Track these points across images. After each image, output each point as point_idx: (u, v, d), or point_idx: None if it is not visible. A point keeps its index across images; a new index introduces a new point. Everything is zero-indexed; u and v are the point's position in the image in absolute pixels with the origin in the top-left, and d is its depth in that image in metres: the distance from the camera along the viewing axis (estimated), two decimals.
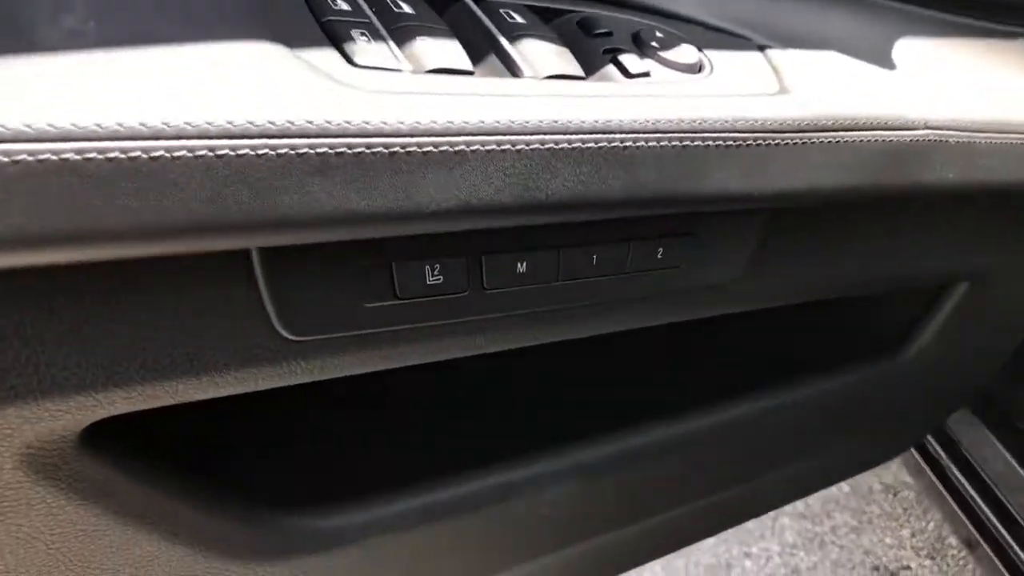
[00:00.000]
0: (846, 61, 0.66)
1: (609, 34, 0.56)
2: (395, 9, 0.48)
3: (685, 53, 0.57)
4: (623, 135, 0.49)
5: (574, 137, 0.47)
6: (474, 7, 0.52)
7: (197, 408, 0.55)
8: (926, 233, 0.83)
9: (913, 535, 2.08)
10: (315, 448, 0.78)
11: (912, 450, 1.62)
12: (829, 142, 0.59)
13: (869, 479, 2.24)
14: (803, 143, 0.58)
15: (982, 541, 1.46)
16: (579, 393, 0.91)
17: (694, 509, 1.03)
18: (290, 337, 0.49)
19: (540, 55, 0.50)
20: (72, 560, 0.56)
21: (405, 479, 0.73)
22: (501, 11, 0.52)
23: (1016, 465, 1.39)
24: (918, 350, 1.02)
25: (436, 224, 0.45)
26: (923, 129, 0.65)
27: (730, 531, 2.05)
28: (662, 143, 0.51)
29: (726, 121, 0.54)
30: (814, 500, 2.16)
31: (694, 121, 0.52)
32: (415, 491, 0.73)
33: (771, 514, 2.11)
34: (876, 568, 1.98)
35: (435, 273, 0.51)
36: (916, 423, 1.32)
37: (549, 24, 0.55)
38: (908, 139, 0.64)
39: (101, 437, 0.52)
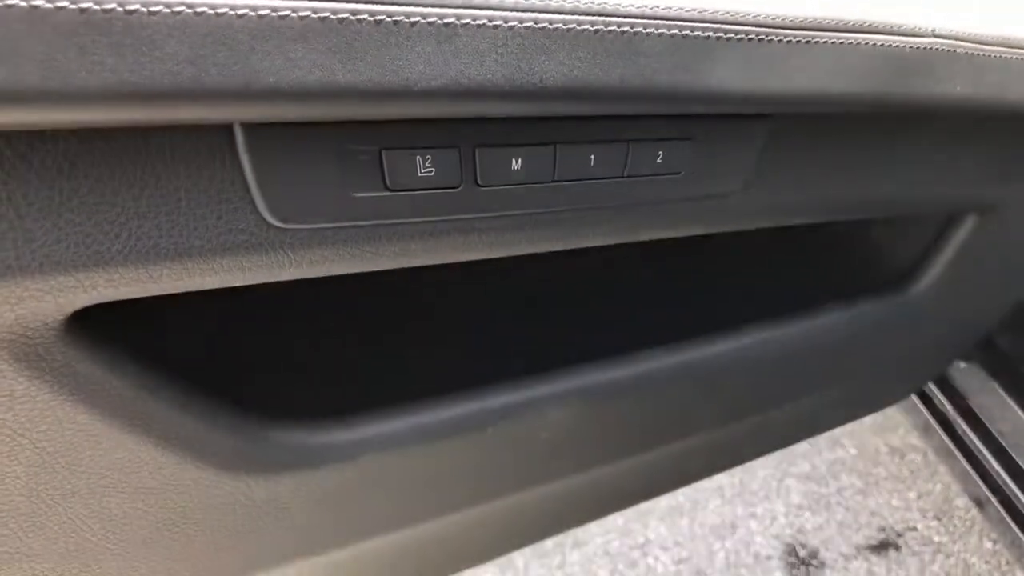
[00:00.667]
0: None
1: None
2: None
3: None
4: (621, 19, 0.47)
5: (570, 18, 0.46)
6: None
7: (192, 315, 0.54)
8: (933, 155, 0.81)
9: (920, 497, 2.07)
10: (310, 363, 0.77)
11: (921, 407, 1.60)
12: (835, 43, 0.57)
13: (876, 441, 2.23)
14: (808, 42, 0.56)
15: (992, 498, 1.44)
16: (582, 317, 0.90)
17: (695, 444, 1.02)
18: (277, 224, 0.48)
19: None
20: (58, 460, 0.55)
21: (401, 398, 0.72)
22: None
23: None
24: (925, 286, 1.01)
25: (426, 106, 0.44)
26: (930, 37, 0.63)
27: (735, 491, 2.05)
28: (661, 31, 0.49)
29: (730, 12, 0.52)
30: (820, 462, 2.15)
31: (696, 9, 0.50)
32: (411, 410, 0.72)
33: (776, 474, 2.10)
34: (882, 529, 1.97)
35: (427, 164, 0.50)
36: (922, 364, 1.31)
37: None
38: (915, 45, 0.62)
39: (88, 331, 0.51)
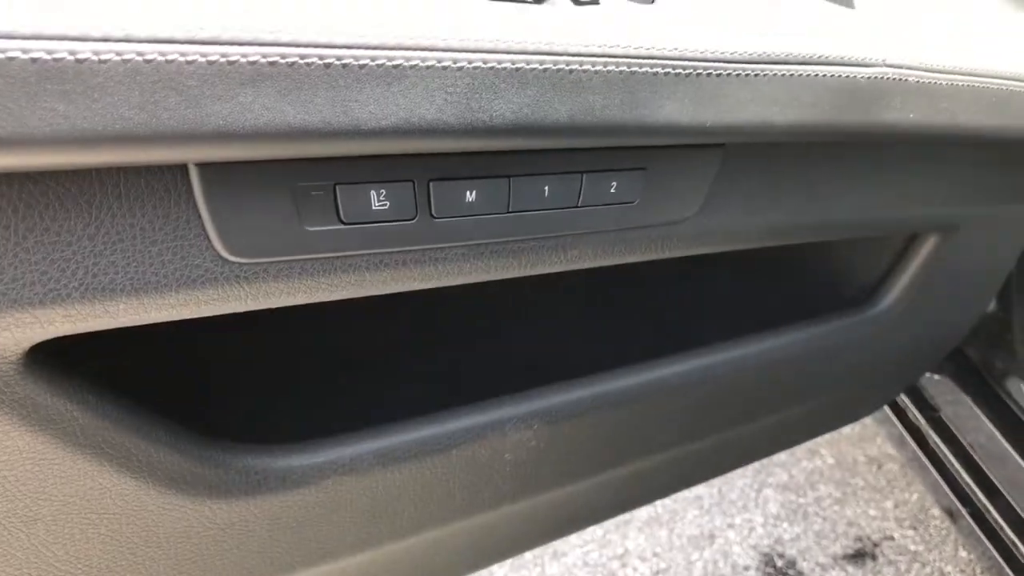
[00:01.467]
0: (805, 2, 0.66)
1: None
2: None
3: None
4: (568, 58, 0.49)
5: (518, 57, 0.47)
6: None
7: (153, 340, 0.55)
8: (889, 179, 0.82)
9: (896, 506, 2.08)
10: (272, 388, 0.78)
11: (894, 419, 1.62)
12: (783, 75, 0.59)
13: (854, 451, 2.25)
14: (756, 75, 0.57)
15: (964, 511, 1.46)
16: (544, 339, 0.91)
17: (666, 459, 1.03)
18: (231, 259, 0.49)
19: None
20: (21, 489, 0.55)
21: (362, 422, 0.73)
22: None
23: (996, 433, 1.39)
24: (890, 303, 1.02)
25: (377, 143, 0.45)
26: (881, 66, 0.64)
27: (713, 502, 2.06)
28: (609, 68, 0.50)
29: (676, 49, 0.53)
30: (798, 472, 2.17)
31: (642, 47, 0.52)
32: (372, 434, 0.73)
33: (754, 485, 2.11)
34: (859, 538, 1.99)
35: (381, 198, 0.51)
36: (891, 379, 1.32)
37: None
38: (866, 75, 0.64)
39: (48, 363, 0.52)
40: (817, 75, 0.61)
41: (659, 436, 0.98)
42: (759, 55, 0.57)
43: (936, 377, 1.53)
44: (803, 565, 1.91)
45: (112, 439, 0.57)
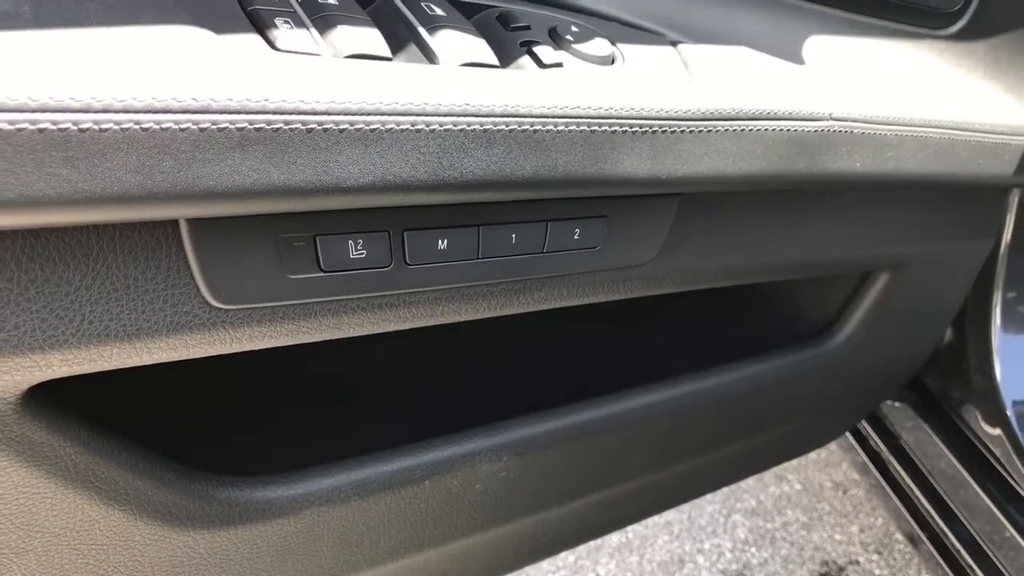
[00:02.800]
0: (756, 56, 0.70)
1: (527, 28, 0.59)
2: (319, 0, 0.51)
3: (598, 46, 0.61)
4: (533, 119, 0.53)
5: (485, 120, 0.51)
6: (397, 0, 0.56)
7: (140, 377, 0.58)
8: (841, 222, 0.87)
9: (862, 531, 2.13)
10: (253, 420, 0.81)
11: (857, 447, 1.66)
12: (734, 130, 0.63)
13: (820, 477, 2.29)
14: (709, 131, 0.62)
15: (923, 536, 1.50)
16: (512, 373, 0.95)
17: (630, 489, 1.07)
18: (218, 305, 0.52)
19: (457, 45, 0.54)
20: (14, 522, 0.58)
21: (341, 453, 0.76)
22: (423, 4, 0.56)
23: (954, 460, 1.43)
24: (845, 337, 1.07)
25: (356, 199, 0.49)
26: (828, 120, 0.69)
27: (683, 527, 2.09)
28: (571, 127, 0.55)
29: (633, 108, 0.57)
30: (766, 497, 2.21)
31: (602, 108, 0.56)
32: (351, 465, 0.76)
33: (723, 510, 2.15)
34: (825, 563, 2.03)
35: (359, 247, 0.54)
36: (851, 408, 1.37)
37: (470, 19, 0.59)
38: (813, 128, 0.68)
39: (43, 402, 0.55)
40: (766, 129, 0.65)
41: (627, 465, 1.01)
42: (711, 112, 0.62)
43: (897, 405, 1.57)
44: None
45: (102, 474, 0.60)
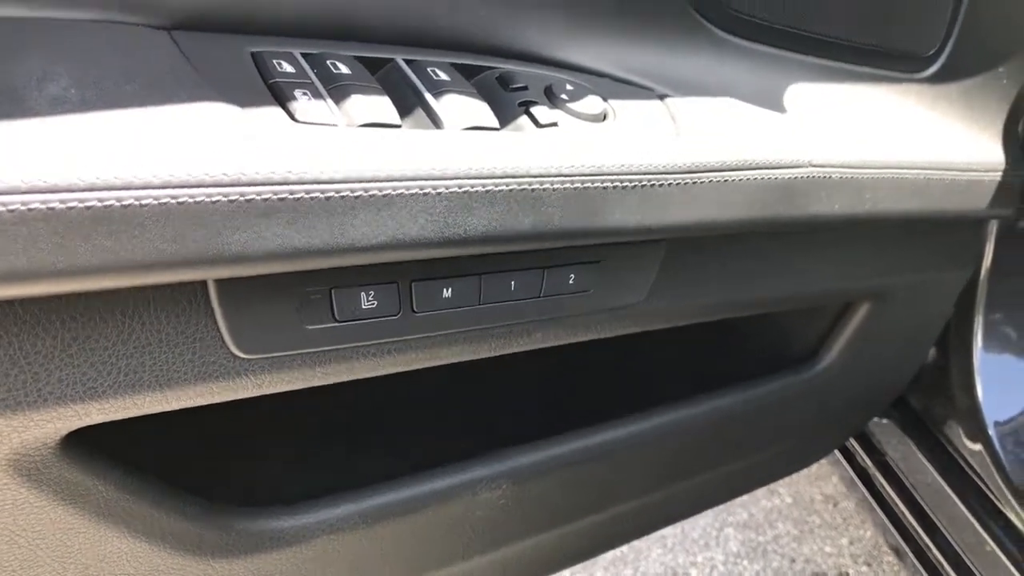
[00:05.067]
0: (740, 106, 0.75)
1: (524, 88, 0.64)
2: (333, 70, 0.56)
3: (591, 104, 0.65)
4: (531, 179, 0.57)
5: (487, 181, 0.55)
6: (404, 66, 0.60)
7: (161, 416, 0.62)
8: (822, 258, 0.92)
9: (851, 543, 2.17)
10: (267, 454, 0.85)
11: (844, 463, 1.71)
12: (718, 181, 0.68)
13: (811, 490, 2.34)
14: (693, 183, 0.66)
15: (909, 551, 1.55)
16: (510, 404, 0.99)
17: (623, 511, 1.11)
18: (241, 355, 0.56)
19: (460, 109, 0.58)
20: (49, 555, 0.62)
21: (348, 484, 0.81)
22: (428, 69, 0.60)
23: (937, 477, 1.47)
24: (828, 363, 1.11)
25: (369, 256, 0.53)
26: (808, 167, 0.74)
27: (676, 540, 2.13)
28: (565, 185, 0.59)
29: (623, 165, 0.62)
30: (757, 510, 2.25)
31: (594, 165, 0.60)
32: (358, 495, 0.80)
33: (716, 524, 2.19)
34: (816, 575, 2.07)
35: (370, 298, 0.59)
36: (836, 429, 1.41)
37: (471, 80, 0.64)
38: (793, 176, 0.73)
39: (79, 445, 0.59)
40: (748, 179, 0.70)
41: (619, 489, 1.05)
42: (696, 165, 0.66)
43: (883, 422, 1.62)
44: None
45: (130, 509, 0.64)
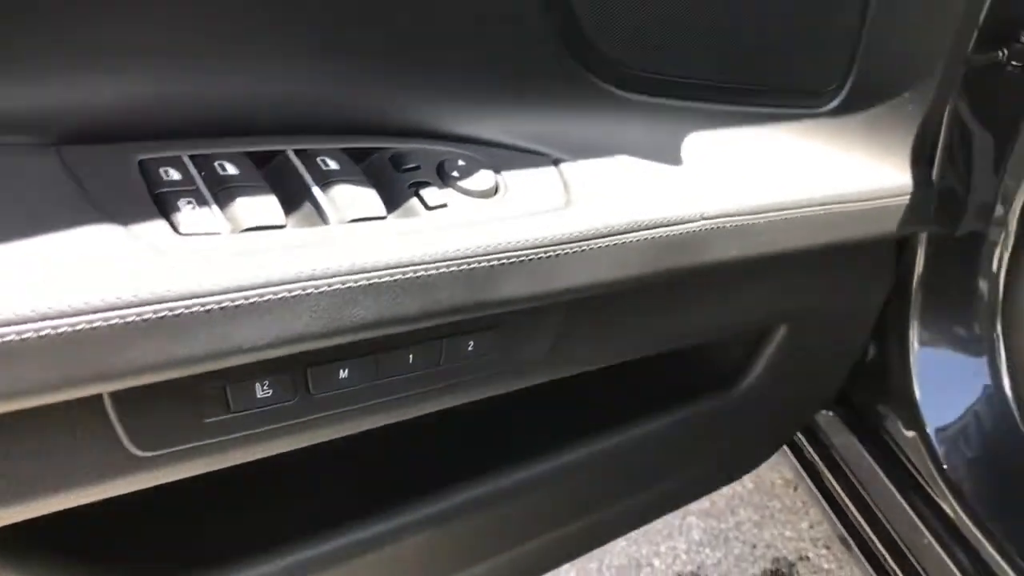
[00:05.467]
0: (634, 164, 0.78)
1: (416, 168, 0.66)
2: (220, 172, 0.58)
3: (482, 179, 0.68)
4: (415, 267, 0.60)
5: (371, 274, 0.58)
6: (294, 158, 0.63)
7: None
8: (727, 295, 0.95)
9: (811, 526, 2.23)
10: (188, 519, 0.88)
11: (791, 456, 1.76)
12: (610, 245, 0.71)
13: (771, 475, 2.39)
14: (585, 251, 0.69)
15: (853, 543, 1.59)
16: (432, 447, 1.02)
17: (541, 545, 1.14)
18: (140, 454, 0.59)
19: (347, 200, 0.61)
20: None
21: (272, 542, 0.83)
22: (318, 160, 0.63)
23: (878, 469, 1.52)
24: (749, 385, 1.15)
25: (257, 355, 0.56)
26: (699, 220, 0.77)
27: (639, 532, 2.18)
28: (452, 268, 0.62)
29: (511, 242, 0.65)
30: (719, 497, 2.30)
31: (481, 246, 0.63)
32: (283, 551, 0.83)
33: (679, 513, 2.24)
34: (776, 560, 2.13)
35: (265, 388, 0.62)
36: (754, 450, 1.45)
37: (364, 162, 0.66)
38: (686, 231, 0.76)
39: None
40: (641, 239, 0.73)
41: (542, 522, 1.09)
42: (586, 232, 0.69)
43: (829, 415, 1.66)
44: None
45: None
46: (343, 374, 0.65)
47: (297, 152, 0.63)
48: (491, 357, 0.74)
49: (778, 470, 2.40)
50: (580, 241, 0.69)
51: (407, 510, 0.90)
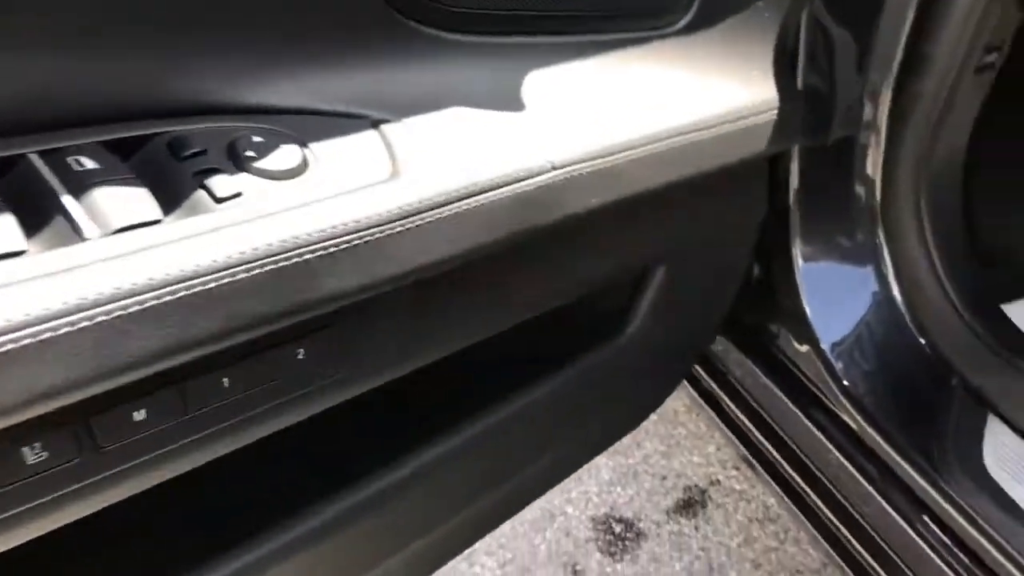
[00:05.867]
0: (469, 117, 0.67)
1: (202, 152, 0.54)
2: None
3: (284, 157, 0.56)
4: (204, 278, 0.49)
5: (145, 296, 0.47)
6: (38, 163, 0.50)
7: None
8: (593, 246, 0.87)
9: (719, 448, 2.22)
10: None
11: (689, 388, 1.72)
12: (448, 216, 0.61)
13: (674, 403, 2.37)
14: (419, 225, 0.59)
15: (759, 466, 1.58)
16: (322, 448, 0.91)
17: (451, 528, 1.06)
18: None
19: (109, 208, 0.49)
20: None
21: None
22: (68, 160, 0.50)
23: (777, 390, 1.49)
24: (634, 329, 1.08)
25: (27, 411, 0.45)
26: (550, 172, 0.67)
27: None
28: (255, 271, 0.51)
29: (326, 228, 0.54)
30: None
31: (287, 239, 0.52)
32: None
33: None
34: (688, 488, 2.12)
35: (36, 451, 0.50)
36: (653, 390, 1.40)
37: (137, 155, 0.54)
38: (536, 185, 0.67)
39: None
40: (483, 203, 0.63)
41: (448, 507, 1.00)
42: (418, 205, 0.59)
43: (723, 340, 1.63)
44: (640, 526, 2.01)
45: None
46: (139, 416, 0.54)
47: (42, 154, 0.51)
48: (330, 362, 0.64)
49: (679, 398, 2.38)
50: (411, 216, 0.58)
51: (310, 515, 0.79)
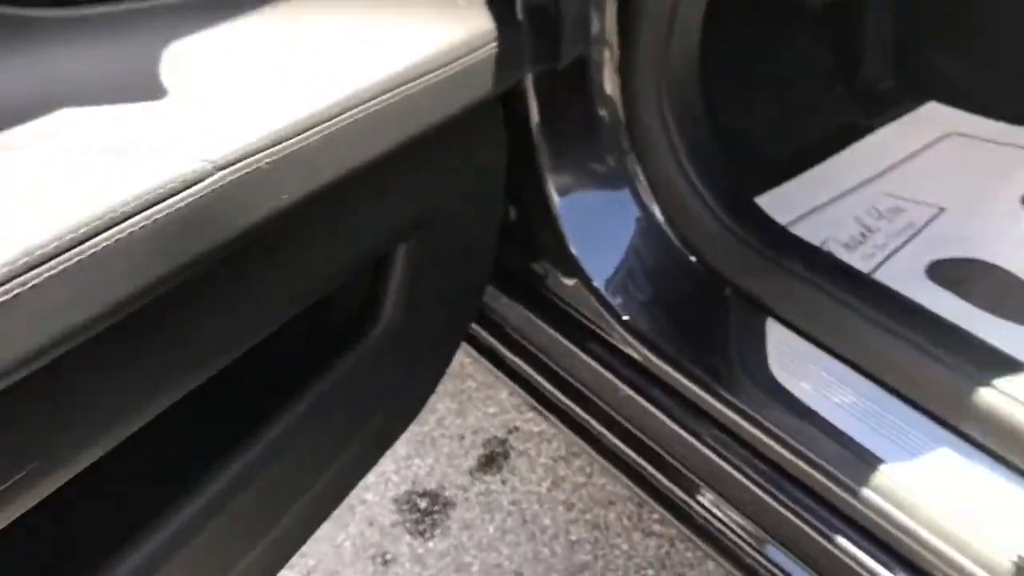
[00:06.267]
0: (84, 116, 0.49)
1: None
2: None
3: None
4: None
5: None
6: None
7: None
8: (305, 248, 0.71)
9: (511, 394, 2.14)
10: None
11: (468, 347, 1.62)
12: (86, 257, 0.44)
13: (460, 358, 2.26)
14: (20, 293, 0.41)
15: (551, 415, 1.51)
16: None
17: (261, 552, 0.92)
18: None
19: None
20: None
21: None
22: None
23: (556, 334, 1.41)
24: (388, 318, 0.94)
25: None
26: (214, 174, 0.51)
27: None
28: None
29: None
30: None
31: None
32: None
33: None
34: (487, 443, 2.03)
35: None
36: (433, 363, 1.30)
37: None
38: (202, 194, 0.50)
39: None
40: (126, 238, 0.46)
41: (262, 526, 0.87)
42: (9, 270, 0.41)
43: (493, 294, 1.53)
44: (446, 495, 1.91)
45: None
46: None
47: None
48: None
49: (464, 351, 2.29)
50: (15, 278, 0.41)
51: None
